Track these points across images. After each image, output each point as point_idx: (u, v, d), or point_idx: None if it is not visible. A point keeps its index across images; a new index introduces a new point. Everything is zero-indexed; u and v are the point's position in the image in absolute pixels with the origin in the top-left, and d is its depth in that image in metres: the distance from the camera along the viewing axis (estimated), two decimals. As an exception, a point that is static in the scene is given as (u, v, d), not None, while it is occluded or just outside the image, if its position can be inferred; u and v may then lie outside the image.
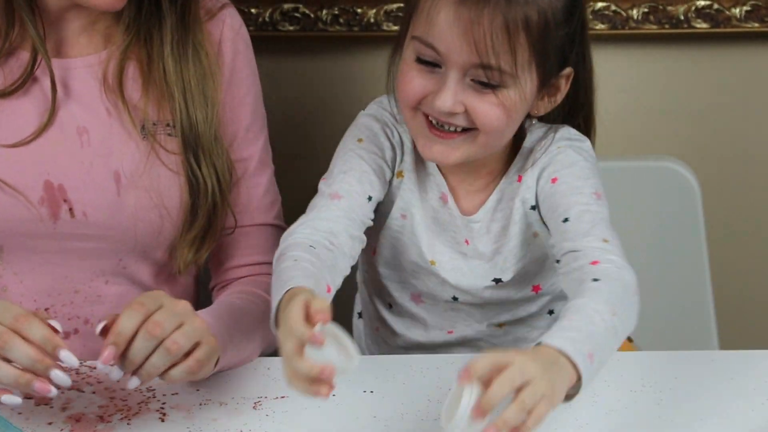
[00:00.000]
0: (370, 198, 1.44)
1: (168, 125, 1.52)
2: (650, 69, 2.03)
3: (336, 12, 1.97)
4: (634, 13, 1.98)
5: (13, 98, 1.49)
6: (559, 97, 1.45)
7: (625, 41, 2.01)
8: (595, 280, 1.29)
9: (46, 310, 1.54)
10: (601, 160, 1.89)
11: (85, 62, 1.52)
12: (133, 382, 1.29)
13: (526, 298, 1.55)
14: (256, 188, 1.61)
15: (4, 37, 1.48)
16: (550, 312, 1.59)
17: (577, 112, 1.50)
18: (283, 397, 1.39)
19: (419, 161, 1.49)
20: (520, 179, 1.47)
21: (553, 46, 1.38)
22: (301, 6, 1.97)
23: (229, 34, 1.58)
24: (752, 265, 2.12)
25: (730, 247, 2.09)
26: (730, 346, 1.88)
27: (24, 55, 1.49)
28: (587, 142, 1.49)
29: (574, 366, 1.19)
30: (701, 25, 1.99)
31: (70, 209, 1.50)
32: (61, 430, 1.34)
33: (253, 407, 1.38)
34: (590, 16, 1.97)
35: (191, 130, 1.52)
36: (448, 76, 1.36)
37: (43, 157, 1.49)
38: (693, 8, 1.98)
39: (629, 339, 1.72)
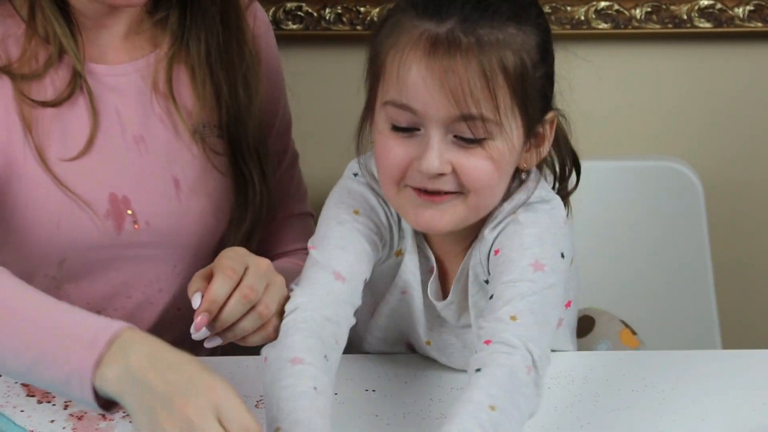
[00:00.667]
0: (365, 280, 1.37)
1: (216, 126, 1.53)
2: (653, 69, 2.03)
3: (339, 11, 1.97)
4: (637, 12, 1.97)
5: (65, 107, 1.47)
6: (546, 147, 1.36)
7: (628, 41, 2.00)
8: (478, 370, 1.23)
9: (98, 313, 1.54)
10: (603, 160, 1.90)
11: (133, 67, 1.51)
12: (215, 341, 1.32)
13: None
14: (291, 179, 1.64)
15: (55, 45, 1.45)
16: None
17: (564, 157, 1.43)
18: (285, 395, 1.39)
19: (419, 240, 1.42)
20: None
21: (533, 88, 1.30)
22: (304, 4, 1.97)
23: (262, 29, 1.59)
24: (755, 264, 2.12)
25: (732, 246, 2.09)
26: (732, 346, 1.89)
27: (72, 62, 1.47)
28: (551, 202, 1.37)
29: None
30: (704, 25, 1.98)
31: (134, 220, 1.50)
32: (63, 428, 1.34)
33: (256, 406, 1.38)
34: (593, 16, 1.97)
35: (237, 126, 1.53)
36: (430, 136, 1.28)
37: (106, 168, 1.49)
38: (696, 8, 1.97)
39: (633, 332, 1.72)
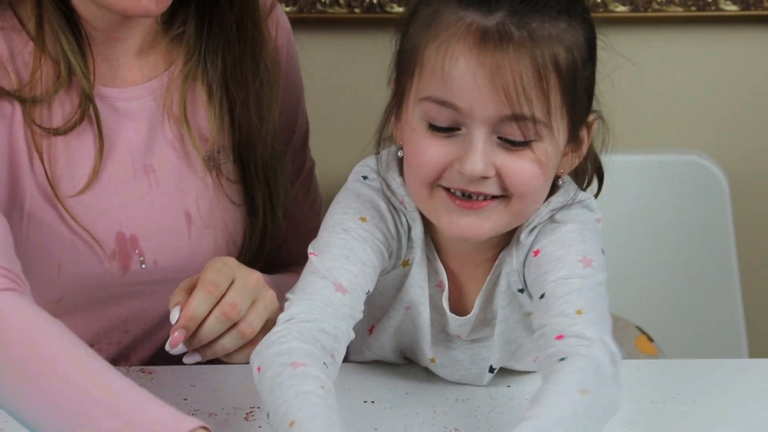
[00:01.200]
0: (367, 292, 1.36)
1: (230, 150, 1.51)
2: (674, 55, 2.03)
3: (336, -8, 2.00)
4: (658, -6, 2.00)
5: (73, 135, 1.43)
6: (584, 151, 1.37)
7: (648, 25, 2.01)
8: (562, 359, 1.23)
9: (91, 347, 1.52)
10: (622, 154, 1.88)
11: (146, 89, 1.48)
12: (194, 358, 1.33)
13: (528, 368, 1.49)
14: (308, 193, 1.63)
15: (65, 64, 1.41)
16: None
17: (587, 163, 1.43)
18: (277, 407, 1.38)
19: (428, 249, 1.40)
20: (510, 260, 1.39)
21: (581, 87, 1.30)
22: (298, -14, 1.99)
23: (284, 39, 1.57)
24: (785, 266, 2.12)
25: (760, 247, 2.09)
26: (760, 354, 1.88)
27: (81, 83, 1.43)
28: (584, 202, 1.38)
29: None
30: (730, 8, 2.00)
31: (142, 260, 1.48)
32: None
33: (245, 418, 1.37)
34: (611, -2, 2.00)
35: (247, 149, 1.51)
36: (474, 136, 1.26)
37: (114, 203, 1.46)
38: (721, -11, 2.01)
39: (649, 339, 1.71)
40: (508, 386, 1.43)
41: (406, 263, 1.40)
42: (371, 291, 1.36)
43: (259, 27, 1.49)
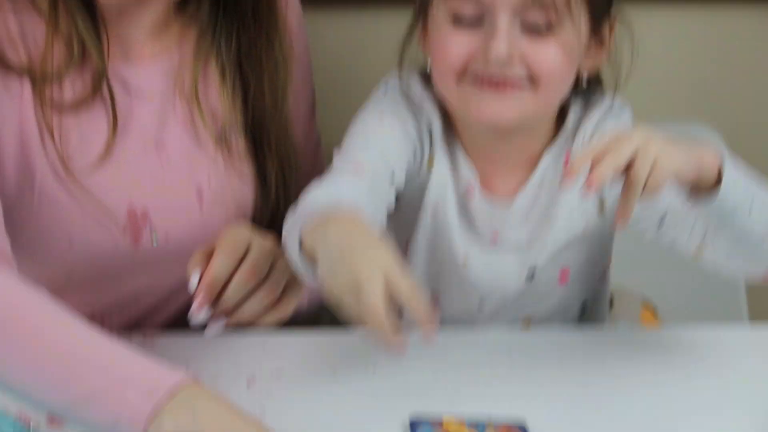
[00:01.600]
0: (393, 177, 1.38)
1: (242, 129, 1.52)
2: (679, 27, 2.03)
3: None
4: (657, -35, 1.97)
5: (84, 113, 1.44)
6: (605, 51, 1.43)
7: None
8: None
9: (101, 320, 1.52)
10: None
11: (158, 67, 1.48)
12: (217, 325, 1.34)
13: (553, 283, 1.51)
14: (315, 167, 1.63)
15: (78, 43, 1.42)
16: (582, 311, 1.57)
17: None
18: (278, 376, 1.40)
19: (451, 147, 1.44)
20: (566, 160, 1.43)
21: None
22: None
23: (295, 20, 1.58)
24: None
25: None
26: (761, 319, 1.89)
27: (95, 62, 1.44)
28: (625, 109, 1.48)
29: (714, 159, 1.25)
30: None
31: (153, 234, 1.49)
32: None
33: (248, 387, 1.38)
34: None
35: (261, 130, 1.53)
36: (498, 22, 1.33)
37: (125, 179, 1.46)
38: (721, -40, 1.98)
39: (654, 315, 1.72)
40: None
41: (431, 162, 1.44)
42: (397, 178, 1.38)
43: (274, 8, 1.51)
